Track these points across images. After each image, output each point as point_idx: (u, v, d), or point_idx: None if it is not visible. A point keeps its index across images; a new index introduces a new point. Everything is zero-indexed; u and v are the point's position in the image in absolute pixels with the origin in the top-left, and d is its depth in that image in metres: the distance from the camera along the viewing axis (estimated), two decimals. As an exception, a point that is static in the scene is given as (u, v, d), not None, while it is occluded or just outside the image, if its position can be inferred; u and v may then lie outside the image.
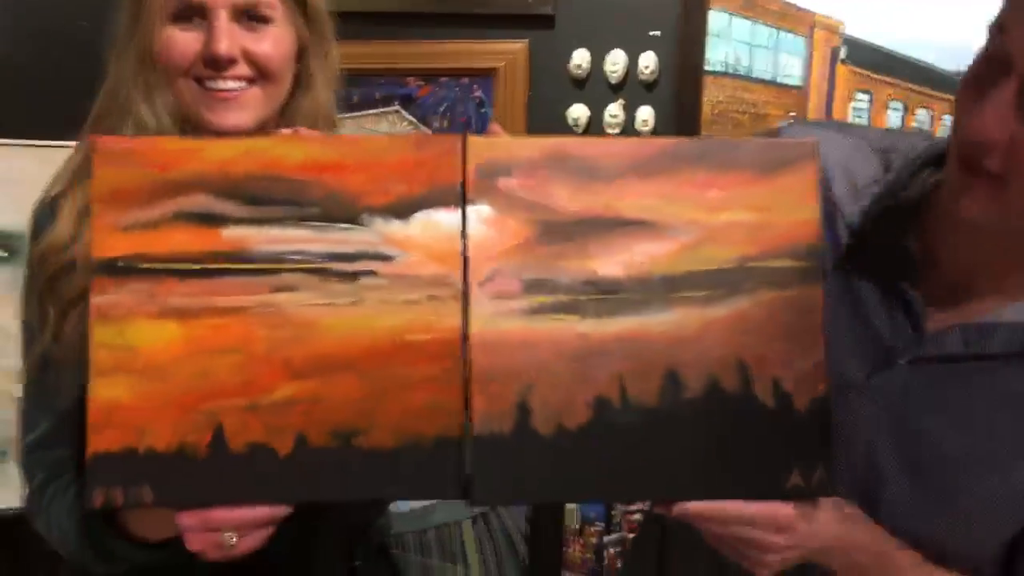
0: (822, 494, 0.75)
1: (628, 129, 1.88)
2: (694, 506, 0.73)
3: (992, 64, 0.75)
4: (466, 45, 1.89)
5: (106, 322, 0.73)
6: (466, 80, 1.90)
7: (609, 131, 1.88)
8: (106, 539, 0.86)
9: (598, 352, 0.74)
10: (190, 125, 0.97)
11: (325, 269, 0.74)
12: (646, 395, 0.74)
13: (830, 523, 0.77)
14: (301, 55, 1.00)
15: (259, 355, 0.73)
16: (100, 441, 0.73)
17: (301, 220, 0.74)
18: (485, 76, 1.89)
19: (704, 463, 0.74)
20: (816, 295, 0.76)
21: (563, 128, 1.88)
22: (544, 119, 1.89)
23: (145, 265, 0.73)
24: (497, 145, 0.76)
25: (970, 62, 0.80)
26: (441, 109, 1.91)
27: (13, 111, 1.84)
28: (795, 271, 0.75)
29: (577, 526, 1.90)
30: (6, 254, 1.60)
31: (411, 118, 1.92)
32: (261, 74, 0.96)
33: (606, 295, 0.75)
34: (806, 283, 0.75)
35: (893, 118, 1.86)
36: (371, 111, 1.90)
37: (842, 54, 1.83)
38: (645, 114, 1.87)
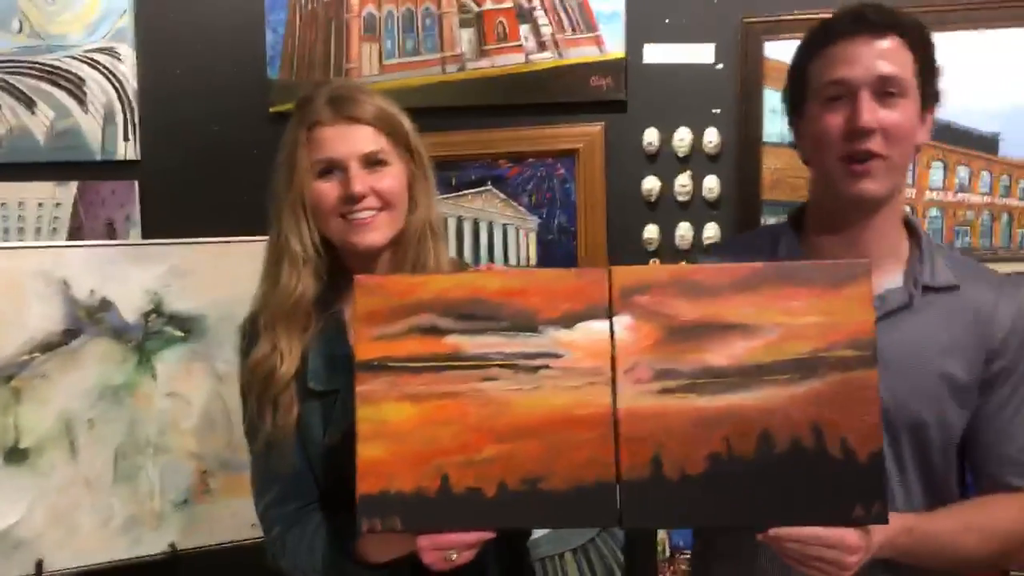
0: (879, 522, 1.03)
1: (696, 196, 2.14)
2: (784, 531, 1.03)
3: (840, 87, 1.16)
4: (549, 130, 2.17)
5: (366, 403, 1.05)
6: (550, 160, 2.18)
7: (679, 198, 2.14)
8: (346, 566, 1.18)
9: (710, 420, 1.04)
10: (333, 249, 1.30)
11: (515, 364, 1.05)
12: (746, 451, 1.04)
13: (879, 537, 1.07)
14: (410, 184, 1.31)
15: (471, 425, 1.05)
16: (365, 486, 1.04)
17: (498, 330, 1.05)
18: (567, 156, 2.17)
19: (790, 499, 1.03)
20: (871, 375, 1.04)
21: (637, 197, 2.15)
22: (621, 191, 2.17)
23: (391, 364, 1.05)
24: (634, 272, 1.07)
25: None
26: (528, 187, 2.21)
27: (169, 212, 2.20)
28: (855, 359, 1.04)
29: (668, 555, 2.13)
30: (182, 334, 1.88)
31: (502, 195, 2.22)
32: (385, 204, 1.27)
33: (716, 379, 1.04)
34: (864, 367, 1.04)
35: (935, 176, 2.10)
36: (468, 191, 2.21)
37: None
38: (711, 183, 2.12)
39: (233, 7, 2.21)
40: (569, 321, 1.06)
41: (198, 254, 1.90)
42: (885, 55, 1.15)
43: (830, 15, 1.25)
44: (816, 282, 1.04)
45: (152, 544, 1.84)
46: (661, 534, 2.15)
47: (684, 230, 2.15)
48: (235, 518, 1.88)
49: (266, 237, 1.91)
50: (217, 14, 2.21)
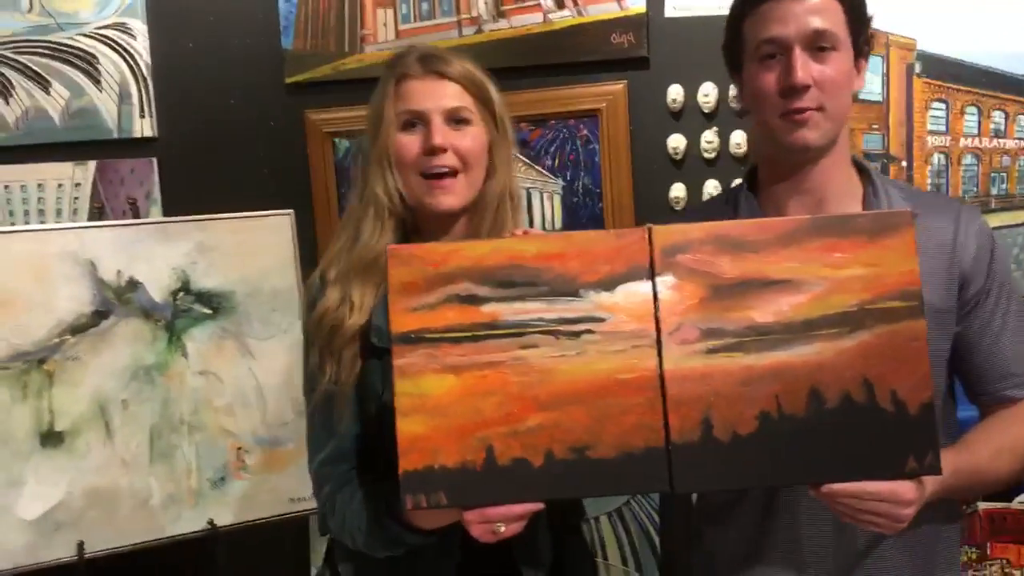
0: (932, 473, 1.02)
1: (723, 153, 2.11)
2: (838, 487, 1.01)
3: (773, 46, 1.19)
4: (571, 90, 2.13)
5: (404, 377, 1.03)
6: (573, 122, 2.15)
7: (706, 155, 2.11)
8: (394, 530, 1.17)
9: (759, 379, 1.01)
10: (411, 206, 1.29)
11: (557, 331, 1.03)
12: (796, 408, 1.01)
13: (931, 486, 1.07)
14: (491, 149, 1.31)
15: (514, 395, 1.02)
16: (408, 462, 1.03)
17: (537, 296, 1.03)
18: (590, 116, 2.14)
19: (842, 454, 1.01)
20: (920, 326, 1.01)
21: (663, 156, 2.12)
22: (646, 150, 2.13)
23: (429, 335, 1.03)
24: (674, 231, 1.04)
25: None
26: (552, 149, 2.18)
27: (189, 188, 2.18)
28: (903, 309, 1.01)
29: None
30: (211, 311, 1.87)
31: (524, 159, 2.18)
32: (464, 163, 1.27)
33: (762, 336, 1.02)
34: (911, 318, 1.01)
35: (970, 122, 2.04)
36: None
37: (917, 68, 2.02)
38: (738, 138, 2.09)
39: (244, -24, 2.17)
40: (610, 284, 1.03)
41: (222, 230, 1.88)
42: (816, 10, 1.19)
43: None
44: (859, 233, 1.02)
45: (191, 522, 1.84)
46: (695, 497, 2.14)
47: (712, 187, 2.12)
48: (272, 494, 1.89)
49: (287, 211, 1.93)
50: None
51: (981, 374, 1.27)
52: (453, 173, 1.27)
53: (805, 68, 1.18)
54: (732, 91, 2.07)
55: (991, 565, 2.04)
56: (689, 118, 2.11)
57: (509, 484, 1.03)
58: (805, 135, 1.20)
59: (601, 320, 1.03)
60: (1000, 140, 2.02)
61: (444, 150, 1.25)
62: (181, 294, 1.85)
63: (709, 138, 2.10)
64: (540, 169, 2.18)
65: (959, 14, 2.01)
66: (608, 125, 2.13)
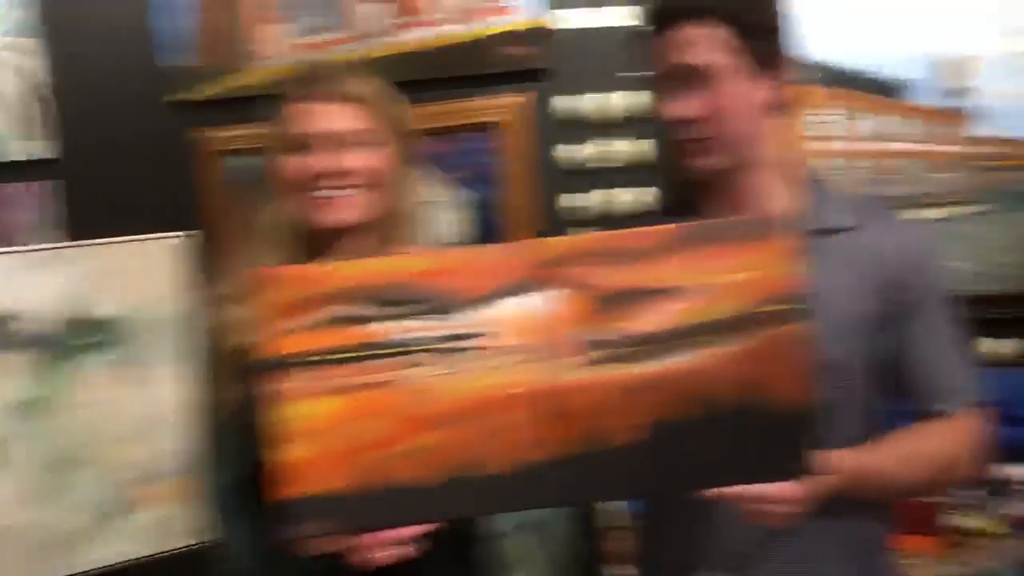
0: (815, 474, 1.03)
1: (632, 161, 2.12)
2: (728, 491, 1.02)
3: (664, 76, 1.19)
4: (470, 103, 2.12)
5: (285, 402, 1.00)
6: (474, 135, 2.13)
7: (611, 166, 2.12)
8: (285, 555, 1.13)
9: (644, 388, 1.01)
10: (310, 229, 1.26)
11: (442, 348, 1.01)
12: (682, 416, 1.02)
13: (826, 483, 1.07)
14: (395, 168, 1.29)
15: (401, 415, 1.01)
16: (292, 490, 1.00)
17: (422, 314, 1.01)
18: (490, 129, 2.13)
19: (731, 459, 1.02)
20: (803, 328, 1.02)
21: (566, 167, 2.12)
22: (548, 162, 2.13)
23: (309, 358, 1.00)
24: (557, 243, 1.03)
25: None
26: (453, 162, 2.15)
27: (97, 212, 2.09)
28: (785, 312, 1.02)
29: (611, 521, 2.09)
30: (103, 340, 1.80)
31: (426, 173, 2.16)
32: (361, 184, 1.25)
33: (646, 345, 1.02)
34: (794, 321, 1.02)
35: (863, 127, 2.10)
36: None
37: (812, 76, 2.05)
38: (642, 146, 2.10)
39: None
40: (493, 298, 1.02)
41: (115, 255, 1.83)
42: (695, 42, 1.16)
43: None
44: (740, 239, 1.03)
45: (88, 559, 1.77)
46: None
47: (619, 197, 2.13)
48: (172, 526, 1.82)
49: (177, 234, 1.88)
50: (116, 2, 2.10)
51: (908, 387, 1.26)
52: (352, 189, 1.25)
53: (691, 99, 1.17)
54: (640, 99, 2.08)
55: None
56: (591, 129, 2.12)
57: (400, 506, 1.01)
58: (701, 162, 1.20)
59: (485, 335, 1.02)
60: (891, 144, 2.09)
61: (338, 174, 1.23)
62: (71, 323, 1.78)
63: (617, 148, 2.11)
64: (442, 183, 2.16)
65: (845, 26, 2.07)
66: (508, 137, 2.12)
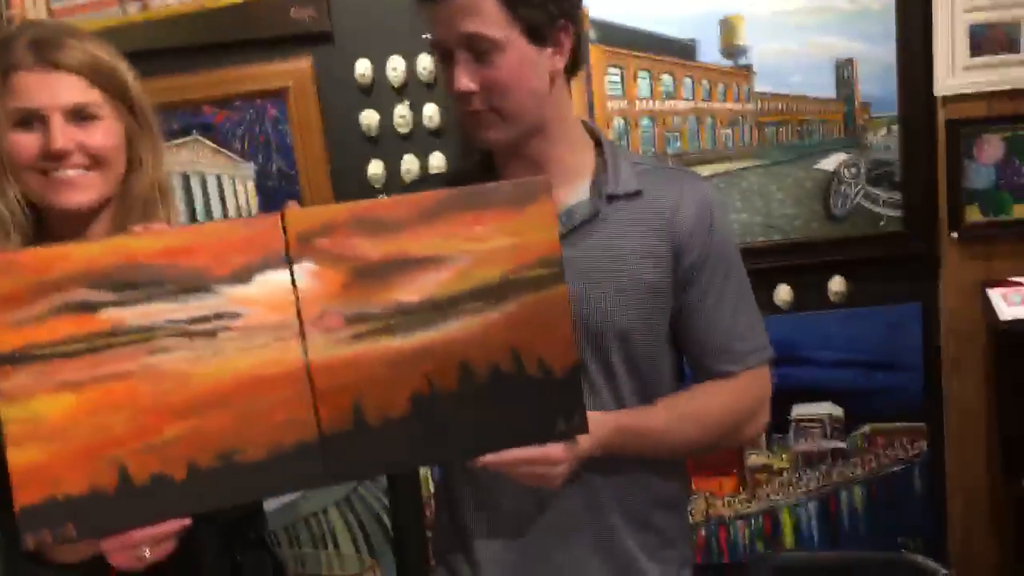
0: (580, 432, 1.04)
1: (417, 127, 2.08)
2: (490, 459, 1.02)
3: (440, 50, 1.16)
4: (254, 68, 2.03)
5: (11, 403, 0.90)
6: (259, 101, 2.05)
7: (400, 131, 2.08)
8: (30, 570, 1.04)
9: (408, 360, 0.99)
10: (41, 212, 1.14)
11: (189, 331, 0.94)
12: (448, 385, 1.00)
13: (587, 443, 1.08)
14: (130, 141, 1.18)
15: (146, 406, 0.93)
16: (25, 497, 0.91)
17: (164, 296, 0.94)
18: (277, 95, 2.05)
19: (495, 426, 1.01)
20: (562, 291, 1.02)
21: (357, 133, 2.07)
22: (339, 128, 2.07)
23: (37, 352, 0.91)
24: (310, 214, 0.98)
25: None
26: (239, 132, 2.06)
27: None
28: (545, 276, 1.02)
29: (433, 492, 2.11)
30: None
31: (211, 144, 2.05)
32: (96, 162, 1.14)
33: (409, 316, 0.99)
34: (555, 284, 1.02)
35: (643, 87, 2.16)
36: (171, 143, 2.01)
37: (592, 36, 2.10)
38: (430, 111, 2.07)
39: None
40: (244, 275, 0.96)
41: None
42: (464, 12, 1.12)
43: None
44: (498, 204, 1.01)
45: None
46: (424, 472, 2.13)
47: (409, 163, 2.10)
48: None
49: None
50: None
51: (697, 347, 1.26)
52: (83, 169, 1.14)
53: (467, 72, 1.13)
54: (420, 63, 2.06)
55: (695, 499, 2.19)
56: (379, 93, 2.08)
57: (148, 504, 0.93)
58: (486, 135, 1.18)
59: (238, 315, 0.95)
60: (671, 102, 2.14)
61: (68, 153, 1.12)
62: None
63: (402, 112, 2.08)
64: (229, 154, 2.07)
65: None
66: (296, 103, 2.05)
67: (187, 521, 0.96)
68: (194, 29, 2.00)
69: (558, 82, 1.20)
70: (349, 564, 2.16)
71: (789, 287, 2.16)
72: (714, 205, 1.26)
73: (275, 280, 0.96)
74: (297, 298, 0.97)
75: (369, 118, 2.06)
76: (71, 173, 1.13)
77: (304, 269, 0.97)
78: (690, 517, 1.87)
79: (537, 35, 1.15)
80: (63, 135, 1.11)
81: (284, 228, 0.96)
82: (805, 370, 2.14)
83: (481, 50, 1.13)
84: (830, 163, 2.16)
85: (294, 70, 2.03)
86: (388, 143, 2.09)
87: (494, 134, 1.18)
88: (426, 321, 0.99)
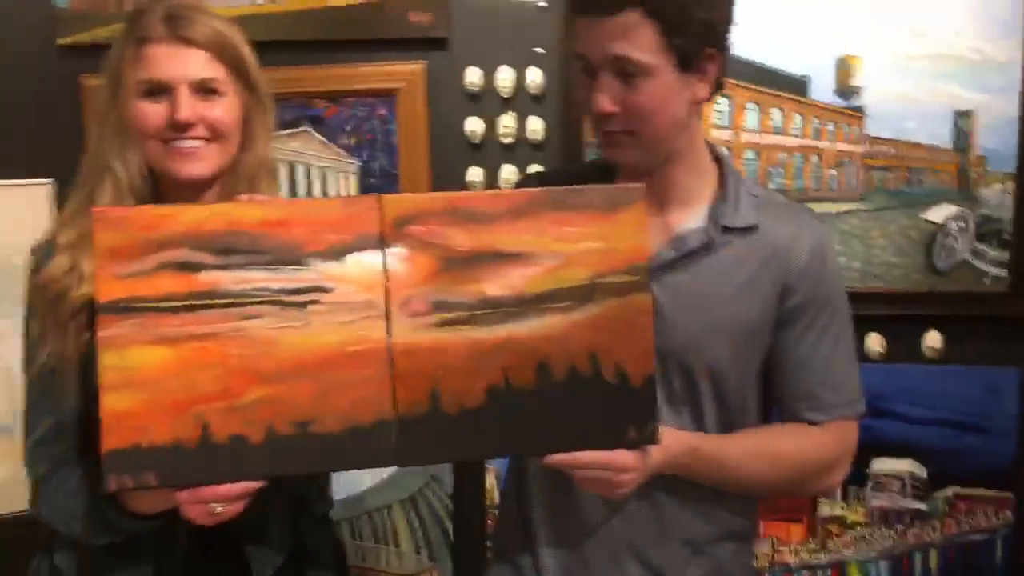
0: (651, 443, 1.04)
1: (520, 138, 2.11)
2: (559, 458, 1.02)
3: (584, 64, 1.15)
4: (368, 68, 2.08)
5: (111, 349, 0.95)
6: (370, 100, 2.10)
7: (503, 140, 2.11)
8: (110, 515, 1.09)
9: (488, 352, 1.00)
10: (156, 177, 1.20)
11: (281, 301, 0.98)
12: (524, 381, 1.01)
13: (659, 456, 1.08)
14: (246, 119, 1.23)
15: (233, 368, 0.97)
16: (112, 441, 0.95)
17: (261, 264, 0.98)
18: (387, 96, 2.09)
19: (568, 426, 1.02)
20: (647, 300, 1.03)
21: (460, 139, 2.10)
22: (443, 132, 2.10)
23: (139, 304, 0.96)
24: (407, 200, 1.01)
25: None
26: (348, 128, 2.12)
27: None
28: (631, 283, 1.02)
29: (497, 502, 2.07)
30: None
31: (320, 137, 2.12)
32: (214, 135, 1.20)
33: (493, 309, 1.00)
34: (640, 292, 1.03)
35: (750, 118, 2.14)
36: (282, 132, 2.08)
37: None
38: (535, 124, 2.09)
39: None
40: (338, 253, 0.99)
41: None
42: (619, 35, 1.10)
43: None
44: (591, 207, 1.02)
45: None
46: (490, 480, 2.14)
47: (508, 172, 2.11)
48: (15, 488, 1.73)
49: (46, 180, 1.79)
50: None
51: (785, 388, 1.23)
52: (202, 141, 1.20)
53: (611, 92, 1.12)
54: (530, 76, 2.07)
55: (761, 543, 2.13)
56: (487, 102, 2.10)
57: (225, 462, 0.97)
58: (620, 156, 1.16)
59: (328, 290, 0.99)
60: (778, 137, 2.12)
61: (191, 124, 1.18)
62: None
63: (507, 123, 2.10)
64: (336, 148, 2.12)
65: (741, 14, 2.09)
66: (405, 105, 2.09)
67: (260, 484, 0.99)
68: (315, 25, 2.06)
69: (693, 112, 1.18)
70: (408, 563, 2.17)
71: (881, 337, 2.09)
72: (828, 247, 1.23)
73: (367, 261, 0.99)
74: (387, 280, 0.99)
75: (474, 125, 2.09)
76: (191, 144, 1.18)
77: (396, 253, 0.99)
78: (754, 559, 1.82)
79: (686, 63, 1.13)
80: (188, 107, 1.17)
81: (381, 211, 0.99)
82: (890, 423, 2.07)
83: (628, 73, 1.11)
84: (938, 214, 2.09)
85: (407, 72, 2.08)
86: (490, 151, 2.11)
87: (628, 156, 1.17)
88: (509, 316, 1.00)
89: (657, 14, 1.10)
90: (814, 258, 1.21)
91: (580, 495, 1.17)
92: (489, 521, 2.15)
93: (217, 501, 0.98)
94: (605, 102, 1.12)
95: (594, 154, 2.06)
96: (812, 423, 1.22)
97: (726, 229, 1.20)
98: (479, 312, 1.00)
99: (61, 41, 2.01)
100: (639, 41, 1.10)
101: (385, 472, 2.08)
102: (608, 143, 1.17)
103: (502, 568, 1.32)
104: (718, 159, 1.26)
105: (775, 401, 1.27)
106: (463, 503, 2.16)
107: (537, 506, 1.27)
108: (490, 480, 2.13)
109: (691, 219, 1.21)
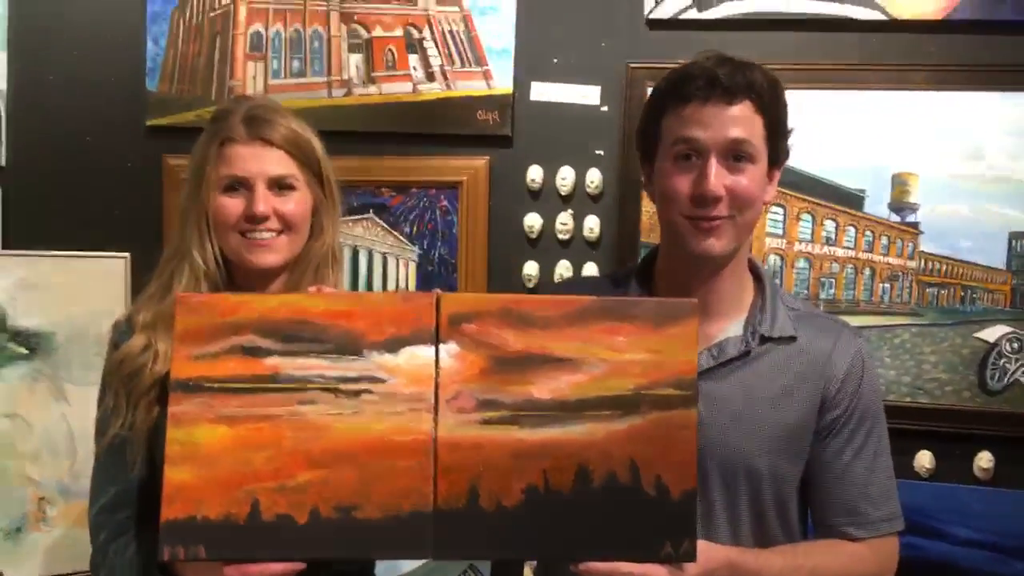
0: (687, 560, 1.04)
1: (577, 235, 2.16)
2: (595, 565, 1.03)
3: (690, 146, 1.18)
4: (434, 161, 2.17)
5: (178, 425, 1.01)
6: (434, 191, 2.18)
7: (560, 237, 2.16)
8: None
9: (529, 453, 1.03)
10: (229, 264, 1.28)
11: (336, 388, 1.03)
12: (563, 484, 1.03)
13: (695, 572, 1.07)
14: (316, 211, 1.31)
15: (286, 449, 1.02)
16: (170, 511, 1.00)
17: (321, 353, 1.03)
18: (451, 188, 2.17)
19: (603, 533, 1.03)
20: (691, 415, 1.05)
21: (519, 233, 2.16)
22: (503, 226, 2.17)
23: (207, 384, 1.02)
24: (464, 300, 1.06)
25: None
26: (411, 217, 2.20)
27: (34, 222, 2.11)
28: (677, 398, 1.05)
29: None
30: (27, 351, 1.79)
31: (383, 224, 2.20)
32: (287, 226, 1.28)
33: (538, 412, 1.04)
34: (684, 407, 1.05)
35: (804, 229, 2.17)
36: (348, 218, 2.17)
37: None
38: (591, 223, 2.15)
39: (112, 14, 2.15)
40: (394, 346, 1.04)
41: (51, 267, 1.82)
42: (736, 121, 1.17)
43: (686, 63, 1.25)
44: (642, 319, 1.05)
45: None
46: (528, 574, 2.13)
47: (563, 268, 2.16)
48: (73, 549, 1.78)
49: (123, 254, 1.89)
50: (94, 21, 2.16)
51: (823, 502, 1.23)
52: (275, 232, 1.28)
53: (719, 177, 1.16)
54: (589, 177, 2.13)
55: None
56: (546, 199, 2.16)
57: (270, 540, 1.01)
58: (712, 244, 1.18)
59: (382, 381, 1.03)
60: (831, 248, 2.14)
61: (267, 217, 1.27)
62: (-6, 329, 1.76)
63: (564, 220, 2.15)
64: (398, 235, 2.20)
65: (800, 128, 2.14)
66: (468, 198, 2.16)
67: (301, 565, 1.02)
68: (386, 118, 2.16)
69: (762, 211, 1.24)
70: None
71: (931, 454, 2.06)
72: (866, 361, 1.24)
73: (421, 355, 1.04)
74: (437, 375, 1.03)
75: (533, 220, 2.15)
76: (266, 235, 1.27)
77: (449, 349, 1.04)
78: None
79: (775, 161, 1.21)
80: (264, 201, 1.26)
81: (438, 308, 1.04)
82: (936, 544, 2.02)
83: (740, 155, 1.17)
84: (991, 334, 2.08)
85: (471, 167, 2.16)
86: (547, 246, 2.16)
87: (722, 243, 1.19)
88: (553, 419, 1.04)
89: (765, 111, 1.18)
90: (853, 371, 1.22)
91: None
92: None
93: (261, 578, 1.01)
94: (718, 185, 1.16)
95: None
96: (852, 539, 1.21)
97: (764, 339, 1.22)
98: (524, 413, 1.04)
99: (150, 122, 2.14)
100: (753, 130, 1.18)
101: (424, 557, 2.09)
102: (705, 229, 1.18)
103: None
104: (754, 270, 1.29)
105: (814, 516, 1.27)
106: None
107: None
108: (528, 574, 2.13)
109: (729, 328, 1.24)
